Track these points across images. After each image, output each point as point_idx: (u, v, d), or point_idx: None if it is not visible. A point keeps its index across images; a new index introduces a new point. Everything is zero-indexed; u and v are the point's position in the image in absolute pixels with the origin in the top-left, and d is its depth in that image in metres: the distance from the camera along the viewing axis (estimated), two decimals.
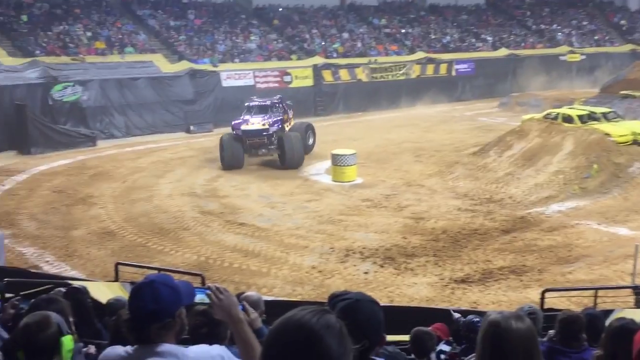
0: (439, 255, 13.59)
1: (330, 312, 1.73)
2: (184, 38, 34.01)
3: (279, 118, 23.12)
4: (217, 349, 2.63)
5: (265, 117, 22.81)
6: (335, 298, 2.43)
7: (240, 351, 2.63)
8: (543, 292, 8.53)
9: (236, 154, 22.08)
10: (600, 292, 9.05)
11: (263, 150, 22.53)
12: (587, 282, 11.75)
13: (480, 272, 12.69)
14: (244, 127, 22.31)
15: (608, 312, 6.56)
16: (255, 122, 22.50)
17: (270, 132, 22.26)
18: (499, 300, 11.42)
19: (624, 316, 4.26)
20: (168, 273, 8.64)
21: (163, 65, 30.47)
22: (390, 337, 5.91)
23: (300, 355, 1.60)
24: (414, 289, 12.02)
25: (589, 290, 9.35)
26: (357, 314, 2.34)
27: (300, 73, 34.06)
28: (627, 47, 44.46)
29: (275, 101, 24.17)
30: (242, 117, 23.14)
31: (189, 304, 2.74)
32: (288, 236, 15.09)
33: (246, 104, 24.02)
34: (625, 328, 3.40)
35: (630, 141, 20.51)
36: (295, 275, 12.77)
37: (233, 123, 23.02)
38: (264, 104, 23.90)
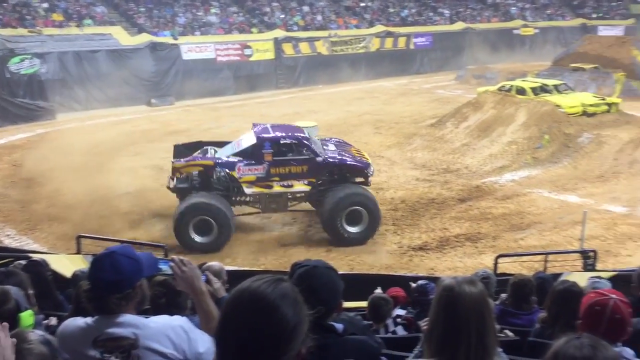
0: (398, 224, 14.11)
1: (285, 280, 1.72)
2: (143, 10, 33.52)
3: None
4: (178, 320, 2.58)
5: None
6: (295, 266, 2.56)
7: (201, 322, 2.63)
8: (496, 258, 8.91)
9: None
10: (550, 257, 9.52)
11: None
12: (539, 247, 12.33)
13: (438, 239, 13.22)
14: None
15: (557, 276, 6.77)
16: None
17: None
18: (455, 266, 11.93)
19: (568, 279, 4.47)
20: (130, 245, 8.80)
21: (122, 37, 30.05)
22: (350, 304, 6.31)
23: (256, 326, 1.61)
24: (374, 256, 12.49)
25: (540, 255, 9.83)
26: (314, 280, 2.44)
27: (261, 46, 34.03)
28: (578, 21, 45.62)
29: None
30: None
31: (151, 275, 2.73)
32: (249, 209, 15.34)
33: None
34: (567, 290, 3.68)
35: (579, 112, 21.26)
36: (259, 245, 13.08)
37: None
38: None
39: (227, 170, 12.95)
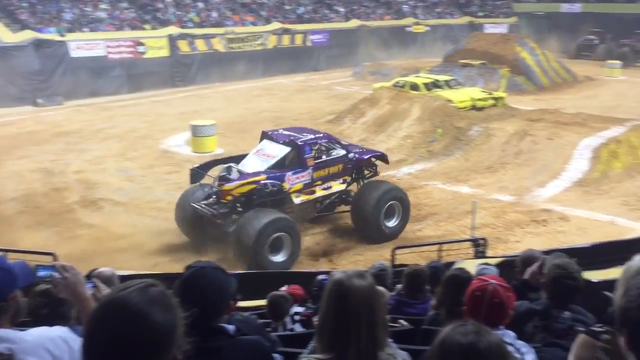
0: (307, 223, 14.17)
1: (155, 285, 1.63)
2: (26, 5, 31.64)
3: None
4: (58, 330, 2.39)
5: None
6: (186, 268, 2.53)
7: None
8: (394, 250, 9.20)
9: None
10: (445, 246, 9.95)
11: None
12: (435, 237, 12.76)
13: (357, 234, 13.29)
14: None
15: (450, 264, 6.98)
16: None
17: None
18: (356, 259, 12.16)
19: (461, 267, 4.63)
20: (15, 253, 8.29)
21: (4, 34, 28.23)
22: (249, 303, 6.26)
23: (124, 337, 1.50)
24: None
25: (435, 245, 10.16)
26: (201, 281, 2.41)
27: (155, 43, 33.07)
28: (465, 19, 47.71)
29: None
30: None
31: (26, 284, 2.56)
32: (148, 209, 14.96)
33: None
34: (454, 276, 3.81)
35: (469, 107, 22.19)
36: (155, 248, 12.75)
37: None
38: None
39: (279, 183, 12.11)
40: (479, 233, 11.79)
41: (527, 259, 4.06)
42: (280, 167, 12.33)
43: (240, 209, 11.79)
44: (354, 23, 42.69)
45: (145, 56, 32.46)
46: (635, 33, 41.12)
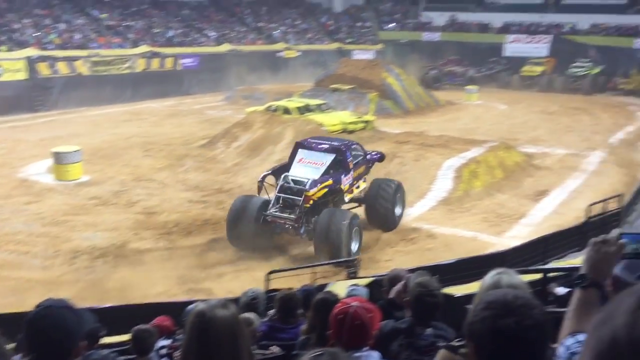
0: (173, 248, 13.76)
1: None
2: None
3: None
4: None
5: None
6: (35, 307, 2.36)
7: None
8: (267, 275, 9.11)
9: None
10: (319, 269, 10.02)
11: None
12: (309, 261, 12.79)
13: (214, 262, 13.06)
14: None
15: (323, 287, 7.08)
16: None
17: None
18: (232, 287, 11.92)
19: (330, 289, 4.61)
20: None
21: None
22: (113, 339, 5.93)
23: None
24: (148, 283, 12.00)
25: (309, 268, 10.17)
26: (43, 322, 2.28)
27: (11, 66, 31.03)
28: (335, 46, 49.18)
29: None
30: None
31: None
32: (5, 243, 13.88)
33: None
34: (323, 300, 3.80)
35: (340, 130, 22.80)
36: (14, 285, 11.82)
37: None
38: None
39: (340, 186, 13.78)
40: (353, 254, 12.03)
41: (393, 278, 4.14)
42: (328, 172, 13.81)
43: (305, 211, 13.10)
44: (225, 47, 42.59)
45: (0, 79, 30.36)
46: (488, 60, 44.38)
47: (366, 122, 24.12)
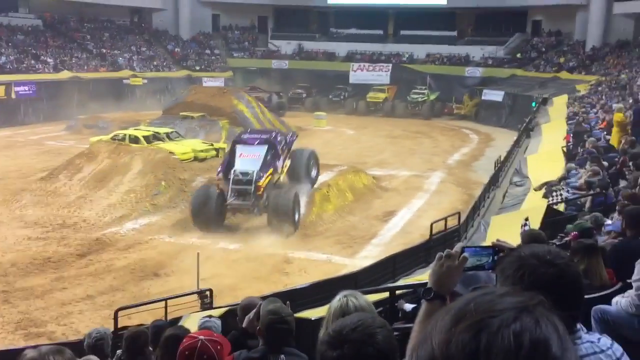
0: (9, 291, 12.64)
1: None
2: None
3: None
4: None
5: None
6: None
7: None
8: (116, 312, 8.62)
9: None
10: (172, 302, 9.64)
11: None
12: (164, 293, 12.26)
13: (58, 302, 12.26)
14: None
15: (177, 320, 6.86)
16: None
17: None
18: (79, 328, 11.18)
19: (183, 323, 4.41)
20: None
21: None
22: None
23: None
24: None
25: (161, 302, 9.72)
26: None
27: None
28: (184, 73, 48.46)
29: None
30: None
31: None
32: None
33: None
34: (171, 336, 3.67)
35: (191, 158, 22.37)
36: None
37: None
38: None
39: (278, 171, 18.05)
40: (209, 284, 11.71)
41: (246, 306, 4.06)
42: (266, 161, 17.30)
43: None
44: (65, 74, 40.39)
45: None
46: (336, 87, 46.05)
47: (218, 149, 23.91)
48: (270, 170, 17.27)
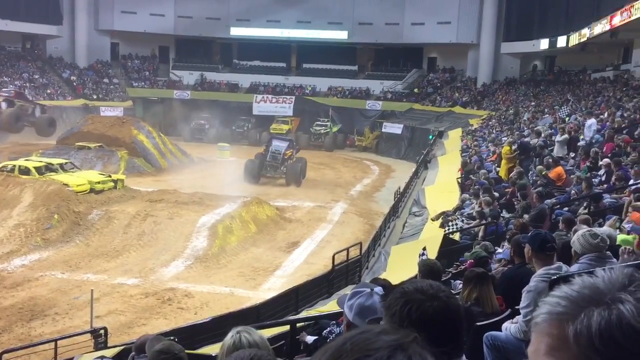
0: None
1: None
2: None
3: None
4: None
5: None
6: None
7: None
8: (0, 355, 8.11)
9: None
10: (64, 342, 9.11)
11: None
12: (55, 333, 11.68)
13: None
14: None
15: None
16: None
17: None
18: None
19: None
20: None
21: None
22: None
23: None
24: None
25: (50, 343, 9.26)
26: None
27: None
28: (80, 102, 46.69)
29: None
30: None
31: None
32: None
33: None
34: None
35: (87, 190, 21.56)
36: None
37: None
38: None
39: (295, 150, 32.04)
40: (104, 322, 11.22)
41: (141, 345, 3.91)
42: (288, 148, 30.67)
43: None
44: None
45: None
46: (239, 118, 45.96)
47: (116, 181, 23.15)
48: (289, 151, 30.36)
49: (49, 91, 46.47)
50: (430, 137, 35.87)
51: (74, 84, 49.04)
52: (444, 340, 1.53)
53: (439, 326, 1.52)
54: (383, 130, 43.76)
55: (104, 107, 46.39)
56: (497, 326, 4.27)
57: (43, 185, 20.41)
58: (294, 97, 48.19)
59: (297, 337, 5.55)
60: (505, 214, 11.59)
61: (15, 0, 46.77)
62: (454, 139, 28.95)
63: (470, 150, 22.64)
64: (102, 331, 8.27)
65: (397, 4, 48.40)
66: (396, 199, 20.76)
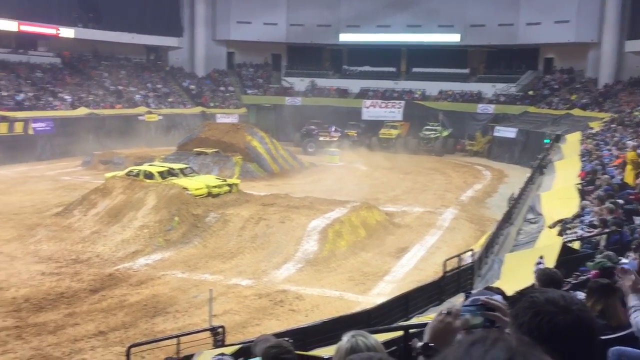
0: (22, 326, 12.63)
1: None
2: None
3: None
4: None
5: None
6: None
7: None
8: (128, 349, 8.57)
9: None
10: (185, 338, 9.58)
11: None
12: (176, 330, 12.21)
13: (70, 338, 12.21)
14: None
15: (189, 357, 6.79)
16: None
17: None
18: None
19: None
20: None
21: None
22: None
23: None
24: None
25: (173, 339, 9.66)
26: None
27: None
28: (198, 109, 49.04)
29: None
30: None
31: None
32: None
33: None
34: None
35: (205, 194, 22.51)
36: None
37: None
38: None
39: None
40: (220, 320, 11.66)
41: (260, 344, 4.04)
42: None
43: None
44: (82, 111, 41.02)
45: None
46: (349, 123, 46.28)
47: (231, 185, 24.04)
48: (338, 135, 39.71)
49: (170, 100, 49.09)
50: (546, 141, 34.36)
51: (193, 92, 51.48)
52: (575, 356, 1.48)
53: (570, 341, 1.47)
54: (495, 134, 42.45)
55: (220, 114, 48.36)
56: (623, 341, 4.04)
57: (165, 189, 21.53)
58: (403, 102, 47.88)
59: (409, 343, 5.52)
60: (630, 222, 10.89)
61: (140, 14, 49.91)
62: (572, 143, 27.55)
63: (592, 154, 21.49)
64: (220, 329, 8.64)
65: (512, 4, 46.92)
66: (510, 205, 20.08)
